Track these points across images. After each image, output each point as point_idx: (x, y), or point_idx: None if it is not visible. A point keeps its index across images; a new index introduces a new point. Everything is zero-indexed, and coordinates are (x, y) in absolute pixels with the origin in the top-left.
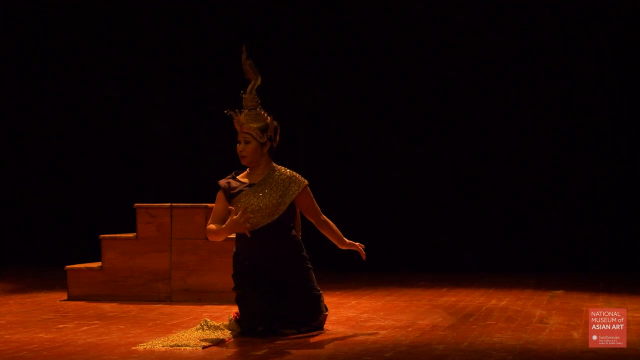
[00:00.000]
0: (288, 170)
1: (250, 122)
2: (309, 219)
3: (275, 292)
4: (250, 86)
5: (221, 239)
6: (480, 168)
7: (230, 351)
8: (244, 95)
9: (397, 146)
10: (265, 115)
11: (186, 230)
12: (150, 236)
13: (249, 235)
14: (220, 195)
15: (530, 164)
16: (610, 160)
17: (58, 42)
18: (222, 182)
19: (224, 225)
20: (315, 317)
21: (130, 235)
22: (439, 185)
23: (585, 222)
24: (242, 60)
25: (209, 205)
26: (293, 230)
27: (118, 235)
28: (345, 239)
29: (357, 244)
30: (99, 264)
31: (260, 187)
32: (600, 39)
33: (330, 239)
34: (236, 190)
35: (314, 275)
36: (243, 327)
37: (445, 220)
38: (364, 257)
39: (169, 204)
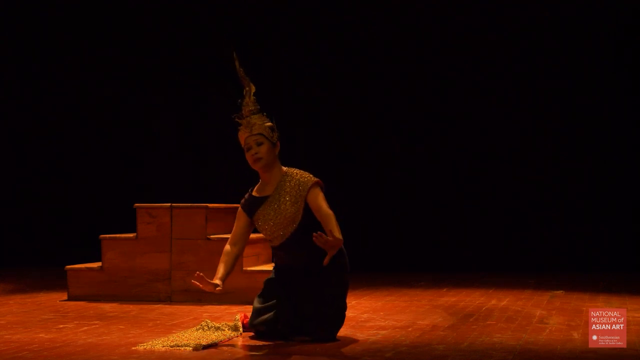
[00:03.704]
0: (297, 173)
1: (260, 122)
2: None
3: (305, 299)
4: (245, 92)
5: None
6: (480, 168)
7: (230, 351)
8: (245, 101)
9: (397, 146)
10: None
11: (186, 230)
12: (150, 236)
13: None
14: (240, 212)
15: (530, 164)
16: (610, 160)
17: (58, 42)
18: (242, 201)
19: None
20: (335, 330)
21: (130, 235)
22: (439, 185)
23: (585, 222)
24: (237, 68)
25: (209, 205)
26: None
27: (118, 235)
28: (335, 234)
29: (330, 240)
30: (99, 264)
31: (275, 198)
32: (600, 39)
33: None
34: (254, 207)
35: (347, 285)
36: (278, 332)
37: (445, 220)
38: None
39: (169, 204)
